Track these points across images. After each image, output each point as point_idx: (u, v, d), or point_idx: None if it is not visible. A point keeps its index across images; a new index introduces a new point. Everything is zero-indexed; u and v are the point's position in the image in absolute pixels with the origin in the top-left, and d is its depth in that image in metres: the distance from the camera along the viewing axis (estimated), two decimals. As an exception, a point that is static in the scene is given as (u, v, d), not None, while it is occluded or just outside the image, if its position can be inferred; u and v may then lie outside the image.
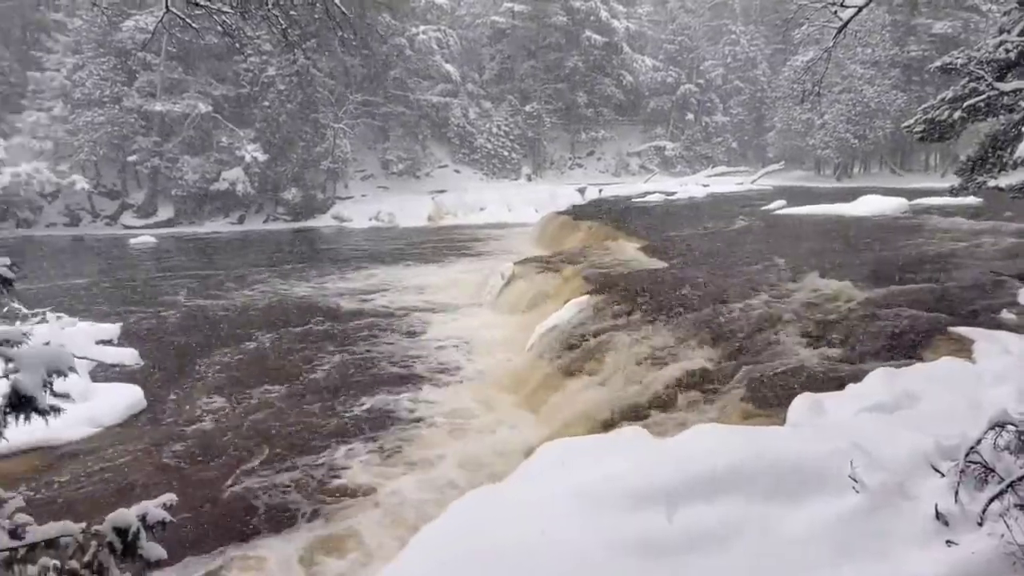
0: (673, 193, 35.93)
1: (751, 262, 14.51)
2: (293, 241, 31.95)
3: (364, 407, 10.90)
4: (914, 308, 9.85)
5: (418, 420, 10.35)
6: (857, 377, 6.61)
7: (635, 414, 8.51)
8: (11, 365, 2.94)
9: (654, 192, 36.01)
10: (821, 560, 3.57)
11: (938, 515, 3.74)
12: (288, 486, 8.43)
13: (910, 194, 26.21)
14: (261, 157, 34.76)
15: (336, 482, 8.53)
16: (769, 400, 7.31)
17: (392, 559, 4.82)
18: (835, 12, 8.99)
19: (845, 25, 9.00)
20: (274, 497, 8.17)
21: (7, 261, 3.23)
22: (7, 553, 3.00)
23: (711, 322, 10.33)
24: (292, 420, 10.41)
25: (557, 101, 49.20)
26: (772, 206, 26.46)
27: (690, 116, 51.50)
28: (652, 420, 8.07)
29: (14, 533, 3.16)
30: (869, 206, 22.72)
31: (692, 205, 31.03)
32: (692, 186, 39.62)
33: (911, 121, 11.75)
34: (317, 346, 14.30)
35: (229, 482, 8.53)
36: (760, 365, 8.48)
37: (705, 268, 14.15)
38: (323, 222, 37.52)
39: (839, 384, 6.73)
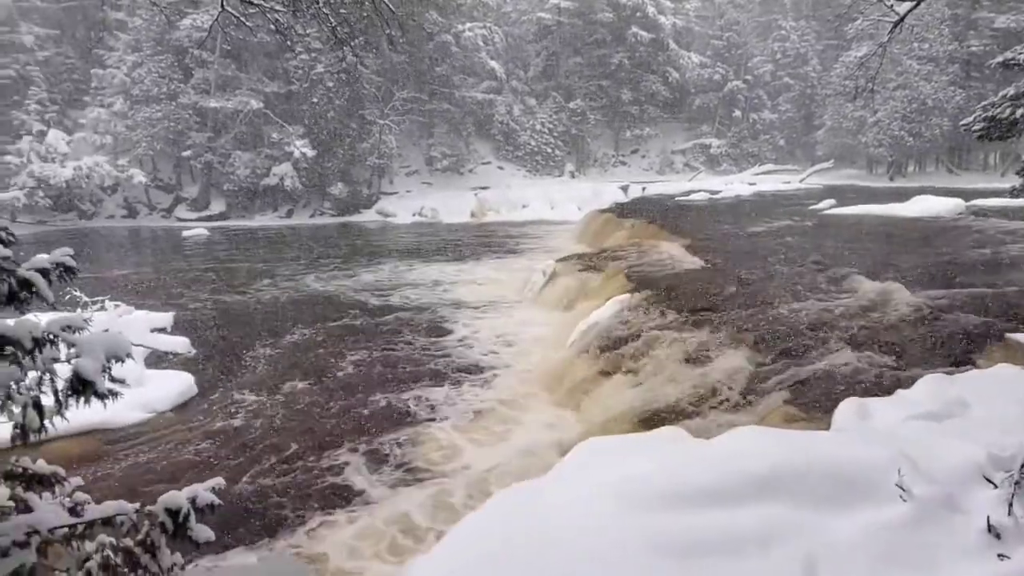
0: (718, 192, 35.38)
1: (797, 263, 14.22)
2: (338, 235, 32.48)
3: (405, 400, 11.04)
4: (968, 313, 9.53)
5: (456, 415, 10.43)
6: (906, 383, 6.44)
7: (675, 414, 8.43)
8: (73, 350, 3.08)
9: (699, 190, 35.50)
10: (864, 569, 3.50)
11: (990, 528, 3.63)
12: (334, 473, 8.62)
13: (967, 195, 25.30)
14: (309, 153, 35.47)
15: (379, 470, 8.67)
16: (813, 404, 7.17)
17: (430, 549, 4.90)
18: (891, 6, 8.74)
19: (902, 19, 8.74)
20: (320, 482, 8.37)
21: (70, 251, 3.38)
22: (66, 529, 3.15)
23: (754, 323, 10.16)
24: (335, 410, 10.61)
25: (601, 98, 48.87)
26: (821, 205, 25.84)
27: (737, 113, 50.58)
28: (692, 421, 7.99)
29: (73, 511, 3.32)
30: (923, 206, 21.98)
31: (737, 204, 30.50)
32: (738, 184, 38.95)
33: (970, 119, 11.33)
34: (360, 339, 14.54)
35: (277, 468, 8.76)
36: (804, 368, 8.32)
37: (749, 268, 13.91)
38: (368, 217, 38.07)
39: (887, 389, 6.57)
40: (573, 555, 3.84)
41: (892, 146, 41.89)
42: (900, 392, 6.19)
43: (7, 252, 2.92)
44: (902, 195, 25.67)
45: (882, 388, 7.04)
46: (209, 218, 36.68)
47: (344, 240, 30.94)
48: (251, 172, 35.95)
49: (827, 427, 5.82)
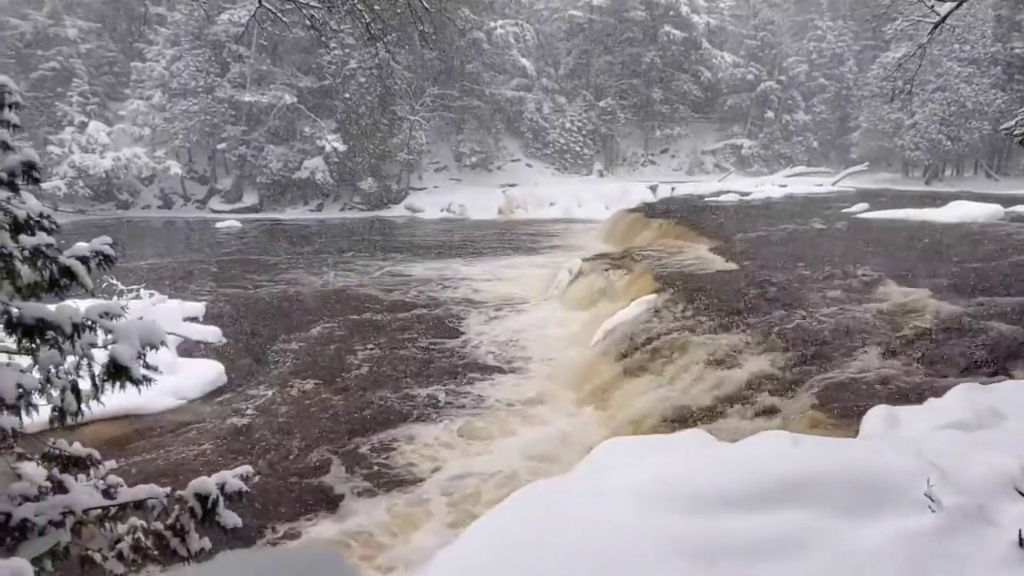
0: (748, 193, 34.92)
1: (827, 267, 13.99)
2: (367, 230, 32.76)
3: (429, 395, 11.13)
4: (1004, 322, 9.29)
5: (481, 411, 10.49)
6: (937, 391, 6.32)
7: (698, 416, 8.38)
8: (110, 336, 3.17)
9: (728, 192, 35.07)
10: (890, 577, 3.45)
11: (1021, 541, 3.55)
12: (354, 463, 8.72)
13: (1007, 201, 24.62)
14: (340, 147, 35.83)
15: (399, 463, 8.76)
16: (841, 410, 7.07)
17: (450, 543, 4.94)
18: (931, 7, 8.58)
19: (943, 20, 8.57)
20: (341, 472, 8.49)
21: (108, 240, 3.48)
22: (100, 511, 3.25)
23: (782, 327, 10.04)
24: (360, 403, 10.73)
25: (632, 97, 48.55)
26: (853, 209, 25.38)
27: (770, 114, 49.88)
28: (716, 423, 7.94)
29: (107, 493, 3.41)
30: (960, 212, 21.46)
31: (768, 206, 30.11)
32: (769, 186, 38.41)
33: (1012, 123, 11.07)
34: (385, 334, 14.67)
35: (303, 458, 8.91)
36: (832, 374, 8.21)
37: (778, 271, 13.74)
38: (396, 212, 38.33)
39: (917, 398, 6.46)
40: (592, 555, 3.84)
41: (929, 150, 40.98)
42: (931, 401, 6.09)
43: (50, 240, 3.01)
44: (938, 200, 25.11)
45: (912, 396, 6.92)
46: (242, 210, 37.25)
47: (372, 235, 31.19)
48: (283, 165, 36.45)
49: (855, 434, 5.74)
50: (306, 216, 37.19)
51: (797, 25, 53.36)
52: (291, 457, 8.94)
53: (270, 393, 11.25)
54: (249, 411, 10.47)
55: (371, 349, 13.53)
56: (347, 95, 36.62)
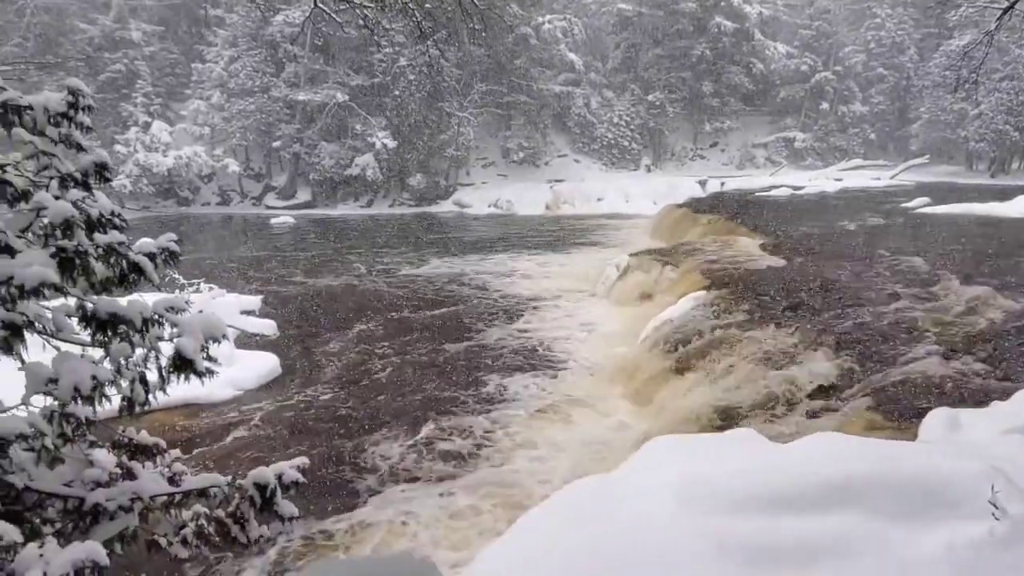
0: (801, 188, 34.04)
1: (885, 264, 13.57)
2: (416, 225, 33.15)
3: (476, 389, 11.24)
4: (1077, 322, 8.88)
5: (527, 406, 10.53)
6: (1002, 394, 6.08)
7: (748, 415, 8.24)
8: (175, 330, 3.31)
9: (780, 186, 34.26)
10: (947, 585, 3.35)
11: (1090, 551, 3.41)
12: (404, 454, 8.89)
13: (1080, 195, 23.42)
14: (390, 144, 36.36)
15: (445, 456, 8.88)
16: (898, 412, 6.87)
17: (499, 536, 4.99)
18: (999, -7, 8.22)
19: (1012, 6, 8.20)
20: (391, 462, 8.67)
21: (174, 237, 3.63)
22: (165, 498, 3.40)
23: (836, 325, 9.79)
24: (409, 396, 10.92)
25: (681, 90, 47.80)
26: (913, 204, 24.51)
27: (825, 106, 48.43)
28: (766, 423, 7.80)
29: (172, 480, 3.57)
30: (1029, 206, 20.53)
31: (822, 201, 29.31)
32: (823, 180, 37.35)
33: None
34: (432, 328, 14.85)
35: (354, 447, 9.16)
36: (889, 374, 7.97)
37: (832, 268, 13.38)
38: (444, 208, 38.67)
39: (980, 401, 6.23)
40: (637, 553, 3.84)
41: (995, 141, 39.25)
42: (996, 404, 5.87)
43: (122, 238, 3.16)
44: (1004, 194, 24.06)
45: (975, 399, 6.68)
46: (295, 206, 38.15)
47: (421, 230, 31.56)
48: (335, 162, 37.20)
49: (913, 437, 5.58)
50: (356, 212, 37.85)
51: (854, 13, 51.66)
52: (343, 447, 9.16)
53: (323, 384, 11.56)
54: (303, 401, 10.79)
55: (419, 343, 13.73)
56: (397, 92, 37.10)
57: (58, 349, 3.07)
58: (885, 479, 4.06)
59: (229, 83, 37.24)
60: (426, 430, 9.65)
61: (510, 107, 43.25)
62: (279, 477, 3.41)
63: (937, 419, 5.61)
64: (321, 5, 6.36)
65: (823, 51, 49.01)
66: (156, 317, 3.16)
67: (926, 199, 24.85)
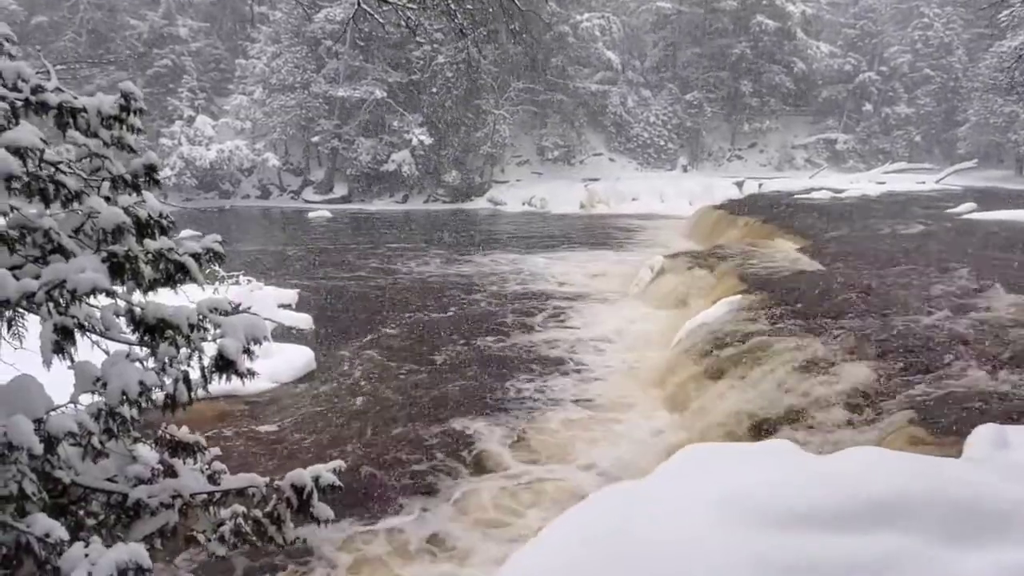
0: (842, 191, 33.30)
1: (928, 271, 13.20)
2: (451, 222, 33.31)
3: (507, 389, 11.25)
4: None
5: (558, 408, 10.50)
6: (1054, 412, 5.87)
7: (784, 426, 8.09)
8: (218, 331, 3.37)
9: (820, 188, 33.57)
10: (995, 614, 3.25)
11: None
12: (434, 454, 8.95)
13: None
14: (427, 140, 36.62)
15: (476, 455, 8.92)
16: (943, 427, 6.67)
17: (527, 542, 4.97)
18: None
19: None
20: (423, 462, 8.74)
21: (218, 238, 3.69)
22: (205, 496, 3.47)
23: (876, 334, 9.55)
24: (439, 394, 10.99)
25: (719, 90, 47.16)
26: (959, 209, 23.81)
27: (868, 107, 47.33)
28: (803, 434, 7.65)
29: (211, 478, 3.64)
30: (1083, 214, 19.80)
31: (864, 204, 28.65)
32: (865, 183, 36.49)
33: None
34: (466, 325, 14.93)
35: (389, 443, 9.26)
36: (934, 387, 7.75)
37: (873, 275, 13.07)
38: (479, 205, 38.79)
39: (1030, 418, 6.02)
40: (667, 567, 3.79)
41: (1048, 145, 37.96)
42: (1045, 422, 5.66)
43: (170, 243, 3.23)
44: (1058, 200, 23.23)
45: (1024, 416, 6.46)
46: (332, 201, 38.68)
47: (456, 227, 31.69)
48: (372, 158, 37.59)
49: (957, 454, 5.41)
50: (392, 208, 38.19)
51: (900, 13, 50.41)
52: (378, 442, 9.28)
53: (356, 379, 11.73)
54: (337, 395, 10.97)
55: (451, 340, 13.82)
56: (434, 90, 37.32)
57: (107, 353, 3.15)
58: (931, 498, 3.95)
59: (271, 79, 37.89)
60: (457, 428, 9.70)
61: (546, 105, 43.17)
62: (316, 480, 3.46)
63: (984, 436, 5.43)
64: (364, 5, 6.42)
65: (867, 51, 47.91)
66: (201, 319, 3.22)
67: (973, 204, 24.12)
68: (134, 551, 2.66)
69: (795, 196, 31.96)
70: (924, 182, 37.81)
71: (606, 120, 45.67)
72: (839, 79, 48.05)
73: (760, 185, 38.30)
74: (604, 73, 45.01)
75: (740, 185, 38.15)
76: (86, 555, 2.59)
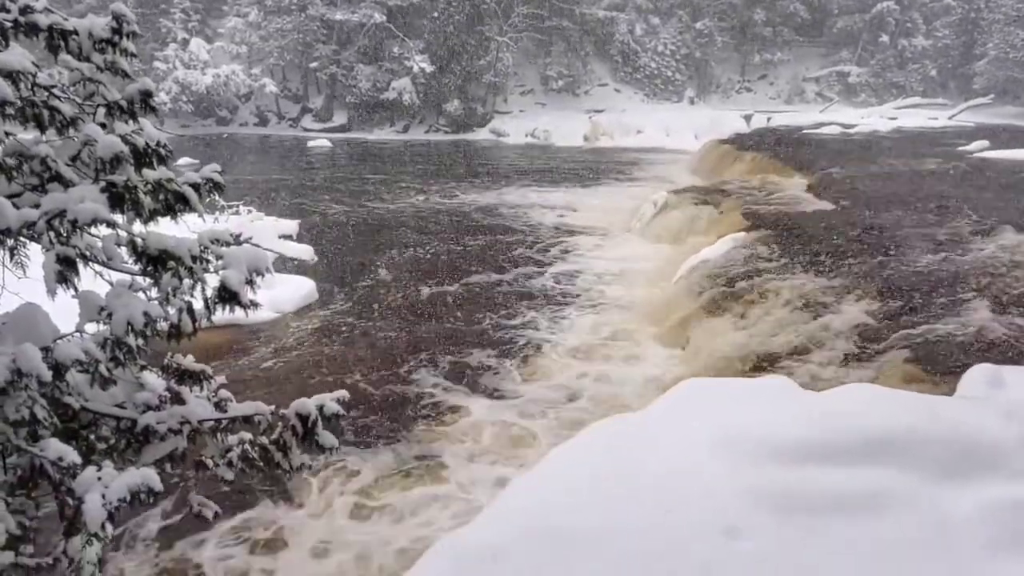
0: (853, 126, 32.65)
1: (935, 211, 13.08)
2: (452, 153, 32.84)
3: (507, 322, 11.36)
4: None
5: (558, 340, 10.61)
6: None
7: (782, 362, 8.19)
8: (221, 262, 3.36)
9: (830, 123, 32.90)
10: (986, 547, 3.35)
11: None
12: (435, 383, 9.13)
13: None
14: (428, 68, 35.64)
15: (472, 387, 9.10)
16: (938, 366, 6.75)
17: (524, 470, 5.10)
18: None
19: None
20: (422, 391, 8.92)
21: (218, 168, 3.64)
22: (213, 422, 3.54)
23: (878, 273, 9.55)
24: (438, 327, 11.13)
25: (731, 18, 45.58)
26: (972, 147, 23.38)
27: (884, 38, 45.79)
28: (800, 371, 7.75)
29: (218, 406, 3.70)
30: (1097, 154, 19.46)
31: (874, 141, 28.14)
32: (876, 119, 35.72)
33: None
34: (466, 257, 14.95)
35: (387, 372, 9.43)
36: (932, 326, 7.79)
37: (879, 213, 12.97)
38: (480, 135, 38.11)
39: (1027, 358, 6.07)
40: (667, 499, 3.89)
41: (1067, 81, 36.96)
42: (1042, 363, 5.72)
43: (169, 173, 3.18)
44: (1072, 139, 22.80)
45: (1022, 356, 6.52)
46: (332, 129, 37.97)
47: (457, 158, 31.26)
48: (372, 85, 36.68)
49: (951, 392, 5.48)
50: (392, 137, 37.56)
51: (925, -63, 48.16)
52: (375, 369, 9.47)
53: (356, 309, 11.92)
54: (337, 326, 11.14)
55: (449, 274, 13.87)
56: (435, 14, 36.08)
57: (110, 284, 3.15)
58: (923, 434, 4.02)
59: (266, 0, 36.61)
60: (457, 359, 9.86)
61: (551, 32, 41.83)
62: (320, 408, 3.52)
63: (979, 375, 5.49)
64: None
65: (887, -22, 46.03)
66: (202, 251, 3.20)
67: (986, 142, 23.67)
68: (145, 475, 2.74)
69: (804, 131, 31.35)
70: (936, 118, 37.00)
71: (612, 49, 44.33)
72: (856, 8, 46.34)
73: (769, 119, 37.52)
74: (612, -1, 43.48)
75: (748, 119, 37.36)
76: (99, 478, 2.66)
